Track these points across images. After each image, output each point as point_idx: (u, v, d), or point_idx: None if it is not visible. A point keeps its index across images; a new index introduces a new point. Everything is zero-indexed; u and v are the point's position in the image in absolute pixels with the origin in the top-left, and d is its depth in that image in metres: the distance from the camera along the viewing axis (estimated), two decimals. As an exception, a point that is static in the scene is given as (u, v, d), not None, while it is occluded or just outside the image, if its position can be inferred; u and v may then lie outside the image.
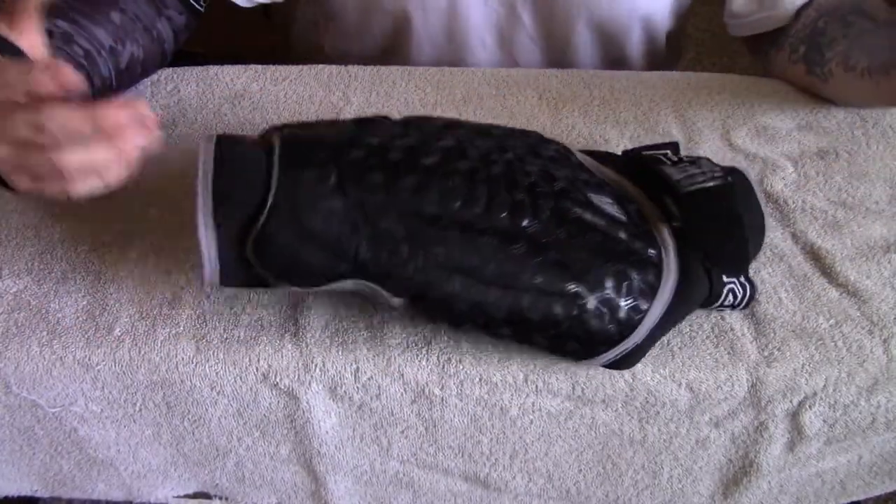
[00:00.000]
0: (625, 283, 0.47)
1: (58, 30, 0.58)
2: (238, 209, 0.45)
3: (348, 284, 0.47)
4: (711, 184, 0.52)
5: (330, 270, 0.46)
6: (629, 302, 0.47)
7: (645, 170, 0.54)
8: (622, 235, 0.48)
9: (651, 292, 0.48)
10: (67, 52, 0.58)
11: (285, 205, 0.44)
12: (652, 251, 0.49)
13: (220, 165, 0.45)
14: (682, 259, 0.49)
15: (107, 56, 0.61)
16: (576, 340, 0.47)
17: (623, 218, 0.50)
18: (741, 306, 0.52)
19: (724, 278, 0.50)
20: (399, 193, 0.45)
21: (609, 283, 0.47)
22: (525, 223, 0.47)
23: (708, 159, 0.55)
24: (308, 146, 0.47)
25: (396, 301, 0.47)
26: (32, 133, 0.42)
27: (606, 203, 0.50)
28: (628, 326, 0.47)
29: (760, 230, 0.55)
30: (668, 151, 0.56)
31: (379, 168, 0.46)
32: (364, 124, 0.50)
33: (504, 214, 0.47)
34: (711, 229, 0.51)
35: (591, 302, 0.46)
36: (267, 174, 0.45)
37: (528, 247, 0.47)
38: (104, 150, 0.43)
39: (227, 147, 0.46)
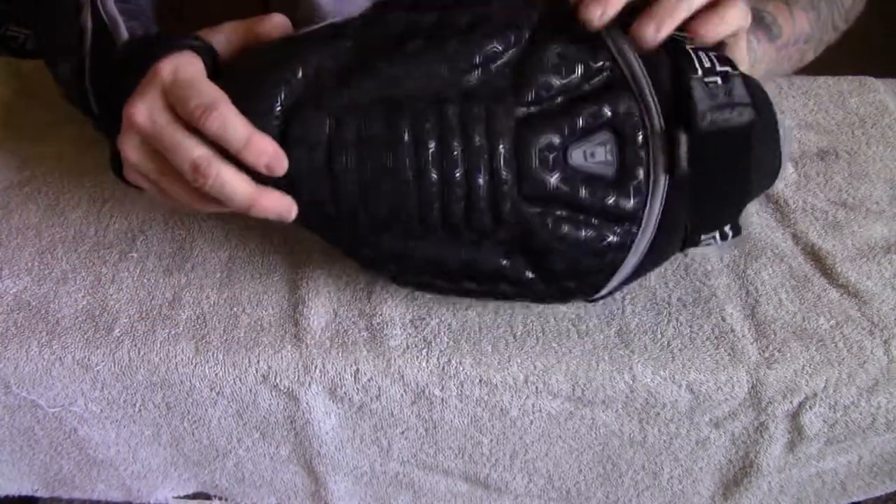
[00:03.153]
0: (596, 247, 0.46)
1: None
2: None
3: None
4: (734, 122, 0.46)
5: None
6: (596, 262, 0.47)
7: (676, 69, 0.47)
8: (598, 198, 0.46)
9: (623, 250, 0.47)
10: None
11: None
12: (634, 201, 0.46)
13: None
14: (667, 213, 0.46)
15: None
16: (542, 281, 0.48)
17: (608, 172, 0.46)
18: (722, 243, 0.51)
19: (703, 236, 0.49)
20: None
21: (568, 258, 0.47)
22: (488, 237, 0.47)
23: (742, 79, 0.47)
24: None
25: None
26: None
27: (597, 146, 0.46)
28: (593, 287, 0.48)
29: (773, 173, 0.51)
30: (713, 53, 0.48)
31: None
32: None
33: (468, 235, 0.47)
34: (714, 185, 0.47)
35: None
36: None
37: (493, 243, 0.47)
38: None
39: None
